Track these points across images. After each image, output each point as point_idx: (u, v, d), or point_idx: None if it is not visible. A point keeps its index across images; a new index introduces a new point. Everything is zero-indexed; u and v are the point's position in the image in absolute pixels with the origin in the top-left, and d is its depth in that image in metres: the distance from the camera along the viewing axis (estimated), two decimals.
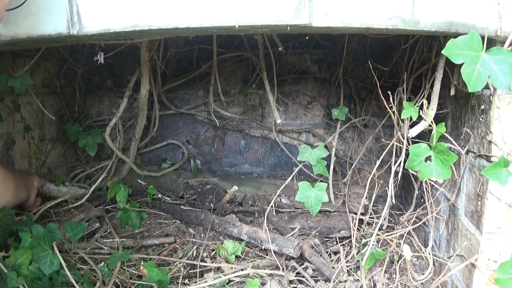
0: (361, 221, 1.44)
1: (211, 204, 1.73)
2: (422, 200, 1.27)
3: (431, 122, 0.97)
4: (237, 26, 0.85)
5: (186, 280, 1.25)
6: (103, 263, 1.21)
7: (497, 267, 0.87)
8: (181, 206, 1.68)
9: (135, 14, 0.85)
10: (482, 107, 0.89)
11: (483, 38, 0.79)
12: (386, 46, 1.73)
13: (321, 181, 1.29)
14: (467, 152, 0.99)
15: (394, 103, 1.14)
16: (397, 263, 1.22)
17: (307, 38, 1.81)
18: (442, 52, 0.80)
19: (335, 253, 1.42)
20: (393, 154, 1.34)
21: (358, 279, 1.19)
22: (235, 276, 1.26)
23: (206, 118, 2.05)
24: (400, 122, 1.16)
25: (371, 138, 1.76)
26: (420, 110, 1.00)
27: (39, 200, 1.55)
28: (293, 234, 1.45)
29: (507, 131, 0.83)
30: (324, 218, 1.55)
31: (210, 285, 1.20)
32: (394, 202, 1.32)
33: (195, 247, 1.45)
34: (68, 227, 1.24)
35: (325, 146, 1.36)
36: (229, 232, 1.46)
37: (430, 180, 1.05)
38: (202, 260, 1.35)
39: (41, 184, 1.58)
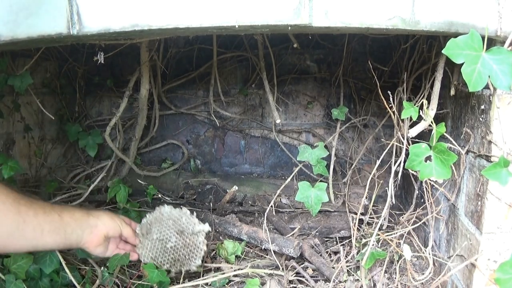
0: (361, 221, 1.44)
1: (211, 204, 1.73)
2: (422, 200, 1.27)
3: (431, 122, 0.97)
4: (237, 26, 0.85)
5: (186, 280, 1.25)
6: (103, 267, 1.21)
7: (497, 267, 0.87)
8: (181, 206, 1.68)
9: (135, 14, 0.85)
10: (482, 107, 0.89)
11: (483, 38, 0.79)
12: (386, 46, 1.73)
13: (321, 181, 1.29)
14: (467, 152, 0.99)
15: (394, 103, 1.14)
16: (397, 263, 1.22)
17: (310, 37, 1.80)
18: (443, 51, 0.80)
19: (335, 253, 1.42)
20: (393, 154, 1.34)
21: (358, 279, 1.19)
22: (235, 276, 1.26)
23: (206, 118, 2.05)
24: (400, 122, 1.16)
25: (371, 138, 1.76)
26: (420, 110, 1.00)
27: (130, 247, 1.18)
28: (293, 234, 1.45)
29: (507, 131, 0.83)
30: (324, 218, 1.55)
31: (209, 283, 1.20)
32: (394, 202, 1.32)
33: None
34: None
35: (325, 146, 1.36)
36: (229, 232, 1.46)
37: (430, 180, 1.05)
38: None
39: (115, 231, 1.08)
